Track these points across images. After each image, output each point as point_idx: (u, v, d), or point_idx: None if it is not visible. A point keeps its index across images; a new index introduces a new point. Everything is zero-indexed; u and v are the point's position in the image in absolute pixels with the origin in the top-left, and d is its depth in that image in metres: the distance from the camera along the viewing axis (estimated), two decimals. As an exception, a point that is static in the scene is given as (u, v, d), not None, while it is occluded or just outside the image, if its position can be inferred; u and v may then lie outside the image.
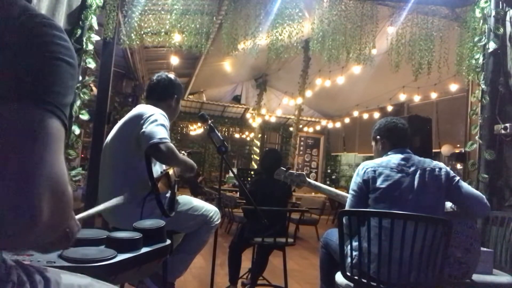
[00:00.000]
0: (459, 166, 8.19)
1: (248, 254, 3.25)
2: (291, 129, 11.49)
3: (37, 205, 0.45)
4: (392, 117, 2.22)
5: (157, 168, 1.97)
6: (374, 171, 1.92)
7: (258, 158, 12.04)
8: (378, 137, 2.14)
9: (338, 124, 12.47)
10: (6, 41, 0.47)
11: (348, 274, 1.86)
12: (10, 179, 0.44)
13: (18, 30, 0.48)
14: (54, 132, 0.49)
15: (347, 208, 1.98)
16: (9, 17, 0.48)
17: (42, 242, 0.51)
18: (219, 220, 2.26)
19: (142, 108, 2.01)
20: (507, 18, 3.27)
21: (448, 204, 2.05)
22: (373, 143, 2.20)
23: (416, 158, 1.98)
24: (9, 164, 0.44)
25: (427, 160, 1.98)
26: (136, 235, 1.33)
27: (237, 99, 12.75)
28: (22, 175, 0.45)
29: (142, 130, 1.84)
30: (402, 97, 8.55)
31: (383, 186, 1.88)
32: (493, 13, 3.26)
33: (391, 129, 2.10)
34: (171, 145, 1.82)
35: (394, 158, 1.97)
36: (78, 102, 2.90)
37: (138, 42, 4.47)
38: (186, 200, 2.17)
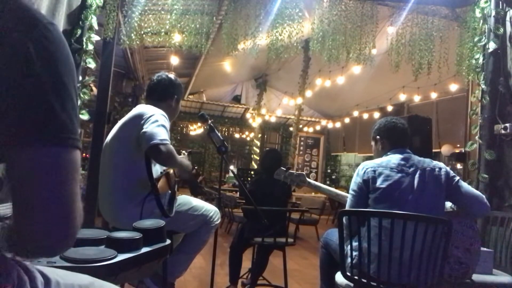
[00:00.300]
0: (459, 166, 8.18)
1: (248, 254, 3.25)
2: (291, 129, 11.49)
3: (75, 234, 0.54)
4: (392, 117, 2.22)
5: (157, 168, 1.97)
6: (374, 171, 1.92)
7: (258, 158, 12.04)
8: (377, 137, 2.14)
9: (338, 124, 12.46)
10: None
11: (348, 274, 1.86)
12: (52, 215, 0.51)
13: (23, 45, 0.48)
14: (77, 162, 0.54)
15: (347, 208, 1.98)
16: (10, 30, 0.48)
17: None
18: (219, 220, 2.26)
19: (143, 108, 2.01)
20: (507, 18, 3.27)
21: (448, 204, 2.05)
22: (372, 143, 2.20)
23: (415, 158, 1.98)
24: (48, 202, 0.51)
25: (427, 160, 1.98)
26: (136, 235, 1.33)
27: (237, 99, 12.75)
28: (63, 211, 0.52)
29: (143, 131, 1.84)
30: (402, 97, 8.55)
31: (383, 186, 1.88)
32: (493, 13, 3.26)
33: (390, 129, 2.10)
34: (171, 147, 1.82)
35: (394, 158, 1.97)
36: (78, 102, 2.89)
37: (138, 42, 4.47)
38: (186, 200, 2.17)
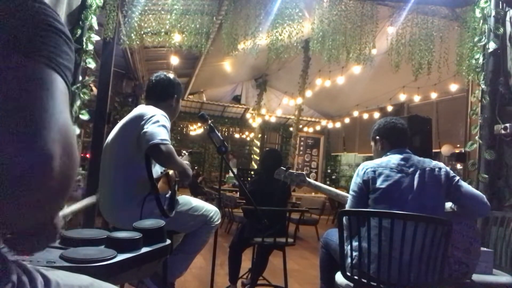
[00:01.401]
0: (459, 166, 8.18)
1: (248, 254, 3.25)
2: (291, 129, 11.48)
3: (51, 148, 0.45)
4: (391, 117, 2.22)
5: (157, 169, 1.98)
6: (374, 171, 1.92)
7: (258, 158, 12.04)
8: (377, 137, 2.14)
9: (338, 124, 12.46)
10: None
11: (348, 274, 1.86)
12: (25, 125, 0.45)
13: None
14: (62, 88, 0.50)
15: (347, 208, 1.98)
16: None
17: (48, 211, 0.51)
18: (219, 220, 2.26)
19: (143, 109, 2.02)
20: (507, 18, 3.27)
21: (448, 204, 2.05)
22: (372, 144, 2.20)
23: (415, 158, 1.98)
24: (23, 113, 0.45)
25: (427, 160, 1.98)
26: (136, 235, 1.33)
27: (237, 99, 12.75)
28: (37, 122, 0.46)
29: (144, 130, 1.84)
30: (402, 97, 8.55)
31: (383, 186, 1.88)
32: (493, 13, 3.26)
33: (390, 129, 2.10)
34: (171, 147, 1.82)
35: (393, 158, 1.97)
36: (78, 102, 2.90)
37: (138, 42, 4.47)
38: (186, 200, 2.17)
